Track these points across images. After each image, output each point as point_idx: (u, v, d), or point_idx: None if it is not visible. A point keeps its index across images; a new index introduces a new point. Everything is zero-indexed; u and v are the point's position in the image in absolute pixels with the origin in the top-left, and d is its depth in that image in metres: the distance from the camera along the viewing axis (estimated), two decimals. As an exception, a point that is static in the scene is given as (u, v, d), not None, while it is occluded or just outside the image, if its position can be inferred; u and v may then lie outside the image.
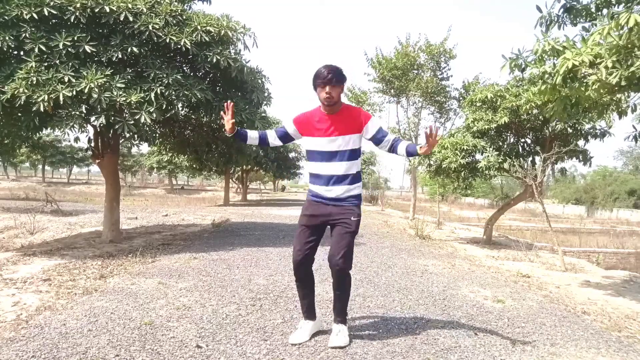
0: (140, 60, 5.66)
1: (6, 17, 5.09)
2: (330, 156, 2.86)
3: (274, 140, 3.08)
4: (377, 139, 2.89)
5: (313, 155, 2.92)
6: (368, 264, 5.85)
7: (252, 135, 3.06)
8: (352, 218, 2.85)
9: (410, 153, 2.83)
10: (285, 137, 3.06)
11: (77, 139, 6.51)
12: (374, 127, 2.88)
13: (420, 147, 2.77)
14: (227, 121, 2.92)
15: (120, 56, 5.43)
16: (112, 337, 2.87)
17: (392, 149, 2.88)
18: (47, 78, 4.95)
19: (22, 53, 5.28)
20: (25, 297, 3.70)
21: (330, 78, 2.75)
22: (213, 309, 3.54)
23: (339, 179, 2.85)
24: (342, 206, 2.87)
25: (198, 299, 3.80)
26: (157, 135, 7.49)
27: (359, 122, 2.87)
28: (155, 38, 5.51)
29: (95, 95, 5.02)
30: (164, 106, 5.53)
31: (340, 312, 2.97)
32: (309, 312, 3.05)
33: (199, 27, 5.69)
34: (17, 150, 9.25)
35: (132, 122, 5.36)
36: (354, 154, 2.88)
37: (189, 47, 5.58)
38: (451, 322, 3.49)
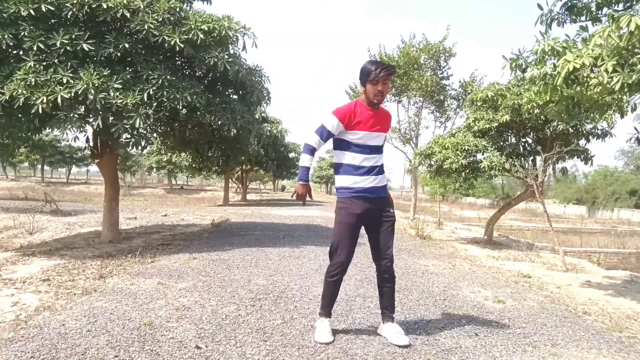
0: (135, 59, 5.58)
1: (4, 15, 5.07)
2: (374, 150, 2.98)
3: (319, 147, 3.04)
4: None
5: (356, 148, 2.94)
6: (368, 264, 5.82)
7: (308, 161, 3.03)
8: (391, 210, 3.05)
9: None
10: (329, 136, 2.98)
11: (76, 138, 6.50)
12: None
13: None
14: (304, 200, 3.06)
15: (112, 52, 5.30)
16: (111, 337, 2.86)
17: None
18: (45, 79, 4.91)
19: (21, 52, 5.25)
20: (24, 297, 3.69)
21: (383, 75, 2.82)
22: (212, 310, 3.52)
23: (379, 170, 3.01)
24: (379, 199, 3.00)
25: (197, 300, 3.79)
26: (155, 136, 7.46)
27: (389, 123, 3.12)
28: (150, 37, 5.43)
29: (91, 97, 4.95)
30: (154, 107, 5.46)
31: (393, 309, 3.09)
32: (331, 309, 3.12)
33: (193, 26, 5.60)
34: (16, 151, 9.25)
35: (128, 125, 5.25)
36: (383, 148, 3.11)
37: (182, 47, 5.48)
38: (452, 322, 3.47)
